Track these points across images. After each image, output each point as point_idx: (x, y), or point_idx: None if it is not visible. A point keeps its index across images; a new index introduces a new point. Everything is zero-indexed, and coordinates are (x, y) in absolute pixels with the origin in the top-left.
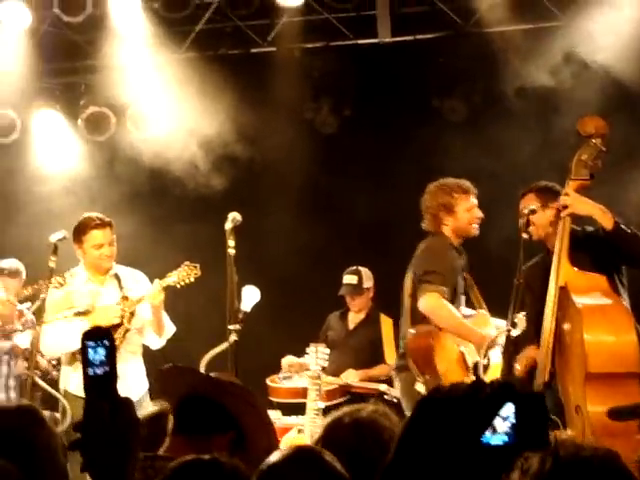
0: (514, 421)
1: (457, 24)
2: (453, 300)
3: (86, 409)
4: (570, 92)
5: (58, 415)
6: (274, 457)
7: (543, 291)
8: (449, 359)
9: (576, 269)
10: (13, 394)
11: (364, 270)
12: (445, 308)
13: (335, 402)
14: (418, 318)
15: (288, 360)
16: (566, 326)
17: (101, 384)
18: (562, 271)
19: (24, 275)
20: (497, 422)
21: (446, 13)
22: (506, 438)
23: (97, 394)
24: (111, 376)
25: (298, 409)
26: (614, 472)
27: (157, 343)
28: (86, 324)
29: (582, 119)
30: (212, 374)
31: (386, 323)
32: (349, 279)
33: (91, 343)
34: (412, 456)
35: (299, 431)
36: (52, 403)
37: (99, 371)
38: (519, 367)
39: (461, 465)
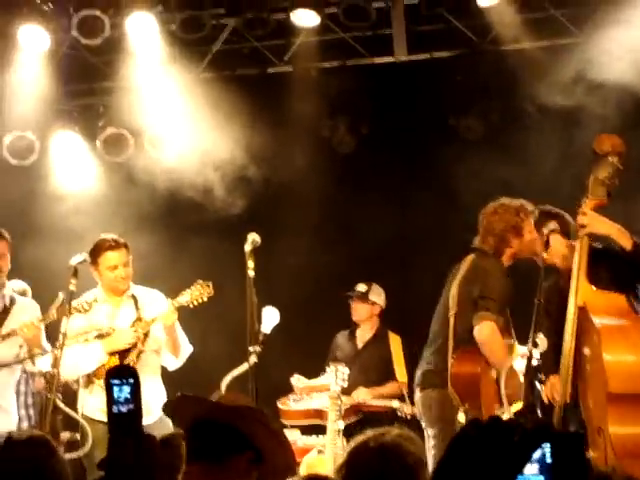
0: (550, 461)
1: (473, 42)
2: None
3: (110, 446)
4: (587, 109)
5: (78, 436)
6: None
7: (560, 313)
8: (489, 392)
9: (594, 288)
10: (32, 411)
11: (376, 285)
12: (499, 341)
13: (351, 421)
14: (462, 339)
15: (297, 381)
16: (586, 347)
17: (126, 422)
18: (581, 291)
19: (30, 295)
20: (533, 463)
21: (462, 31)
22: (543, 479)
23: (121, 431)
24: (136, 413)
25: (313, 429)
26: None
27: (174, 364)
28: (101, 347)
29: (599, 137)
30: (219, 396)
31: (394, 340)
32: (359, 287)
33: (116, 381)
34: None
35: (319, 452)
36: (73, 424)
37: (124, 409)
38: (546, 393)
39: None
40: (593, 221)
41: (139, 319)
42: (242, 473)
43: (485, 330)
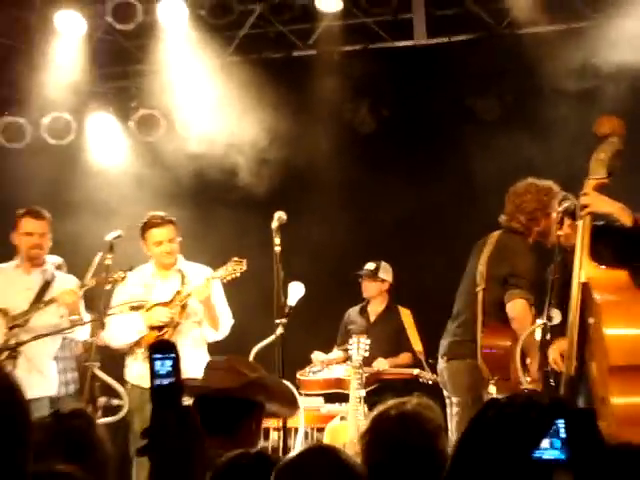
0: (564, 436)
1: (490, 25)
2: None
3: (152, 418)
4: (601, 90)
5: (115, 402)
6: (291, 455)
7: (565, 288)
8: (516, 364)
9: (596, 264)
10: (70, 377)
11: (384, 264)
12: (530, 318)
13: (371, 388)
14: (490, 314)
15: (317, 356)
16: (590, 321)
17: (167, 394)
18: (584, 268)
19: (65, 270)
20: (550, 438)
21: (479, 15)
22: (558, 453)
23: (163, 404)
24: (176, 387)
25: (336, 397)
26: None
27: (213, 336)
28: (141, 319)
29: (599, 119)
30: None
31: (405, 314)
32: (368, 266)
33: (158, 355)
34: (467, 468)
35: (342, 418)
36: (111, 390)
37: (165, 382)
38: (550, 358)
39: (516, 477)
40: (595, 200)
41: (178, 292)
42: (254, 432)
43: (518, 307)
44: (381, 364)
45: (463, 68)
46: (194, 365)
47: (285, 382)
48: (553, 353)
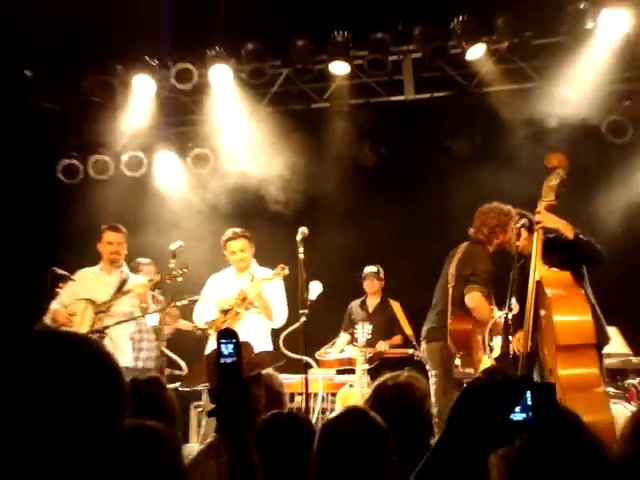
0: (531, 403)
1: (463, 85)
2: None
3: (220, 387)
4: (546, 134)
5: (176, 372)
6: (333, 414)
7: (524, 286)
8: (477, 343)
9: (547, 267)
10: (142, 354)
11: (379, 267)
12: (484, 305)
13: (373, 365)
14: (457, 305)
15: (330, 347)
16: (542, 311)
17: (230, 370)
18: (538, 269)
19: (154, 270)
20: (520, 404)
21: (454, 77)
22: (525, 415)
23: (227, 377)
24: (237, 364)
25: (345, 370)
26: None
27: (268, 324)
28: (214, 304)
29: (548, 155)
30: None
31: (395, 305)
32: (371, 268)
33: (223, 340)
34: (460, 429)
35: (350, 386)
36: (174, 364)
37: (228, 360)
38: (514, 342)
39: (496, 433)
40: (546, 218)
41: (241, 290)
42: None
43: (474, 297)
44: (382, 345)
45: (442, 117)
46: (256, 345)
47: (267, 351)
48: (516, 339)
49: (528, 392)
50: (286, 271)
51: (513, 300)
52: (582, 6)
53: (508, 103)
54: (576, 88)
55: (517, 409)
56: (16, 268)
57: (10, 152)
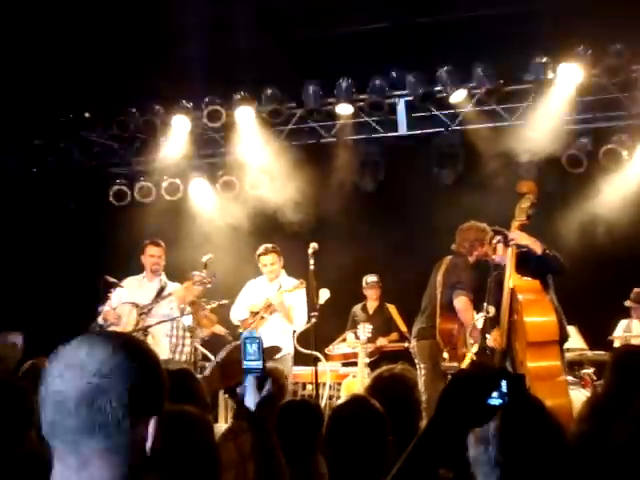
0: (505, 390)
1: (446, 123)
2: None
3: (243, 380)
4: (517, 165)
5: (207, 364)
6: (340, 401)
7: (500, 292)
8: (461, 340)
9: (520, 276)
10: (178, 350)
11: (378, 276)
12: (470, 309)
13: (373, 359)
14: (444, 308)
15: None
16: (515, 313)
17: (253, 366)
18: (511, 278)
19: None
20: (496, 391)
21: (440, 117)
22: (501, 400)
23: (250, 371)
24: (262, 367)
25: (349, 362)
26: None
27: (290, 327)
28: (246, 306)
29: (519, 182)
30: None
31: (392, 308)
32: (373, 277)
33: (249, 340)
34: (447, 410)
35: (353, 376)
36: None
37: (252, 358)
38: (491, 339)
39: (476, 414)
40: (518, 236)
41: (268, 298)
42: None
43: (461, 302)
44: (381, 341)
45: (430, 150)
46: (278, 343)
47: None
48: (492, 337)
49: (503, 381)
50: (304, 285)
51: (490, 306)
52: (544, 60)
53: (485, 139)
54: (541, 127)
55: (494, 395)
56: (75, 276)
57: (71, 179)
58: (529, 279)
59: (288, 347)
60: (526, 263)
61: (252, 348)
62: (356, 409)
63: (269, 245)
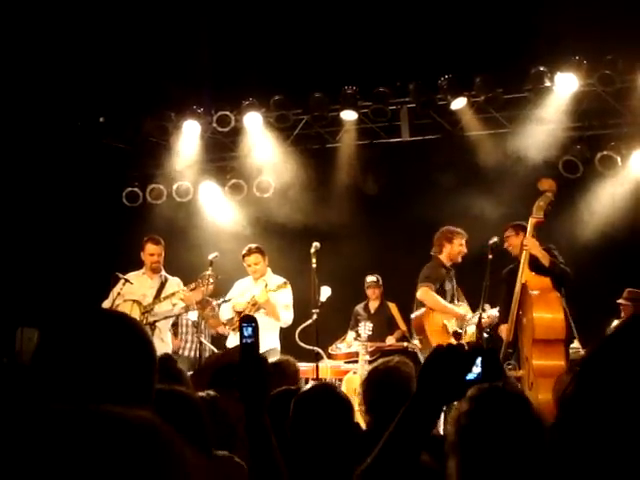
0: (481, 366)
1: (448, 130)
2: (440, 295)
3: (241, 362)
4: (516, 170)
5: None
6: (306, 387)
7: (513, 286)
8: (434, 328)
9: (532, 273)
10: (182, 344)
11: (378, 275)
12: (431, 296)
13: (374, 357)
14: (419, 304)
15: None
16: (524, 307)
17: (249, 348)
18: (524, 274)
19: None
20: (472, 367)
21: (442, 123)
22: (476, 375)
23: (247, 354)
24: (255, 344)
25: (351, 360)
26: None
27: (276, 324)
28: (231, 307)
29: (540, 180)
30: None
31: (392, 306)
32: (373, 278)
33: (245, 324)
34: (426, 384)
35: (354, 373)
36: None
37: (249, 341)
38: (503, 333)
39: (453, 388)
40: (531, 245)
41: (253, 297)
42: None
43: (422, 292)
44: (390, 340)
45: (431, 155)
46: (265, 337)
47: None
48: (502, 330)
49: (479, 358)
50: (288, 285)
51: (487, 304)
52: (541, 69)
53: (485, 145)
54: (538, 133)
55: (472, 371)
56: (89, 274)
57: (86, 181)
58: (541, 276)
59: (273, 343)
60: (540, 266)
61: (248, 331)
62: (319, 395)
63: (252, 245)
